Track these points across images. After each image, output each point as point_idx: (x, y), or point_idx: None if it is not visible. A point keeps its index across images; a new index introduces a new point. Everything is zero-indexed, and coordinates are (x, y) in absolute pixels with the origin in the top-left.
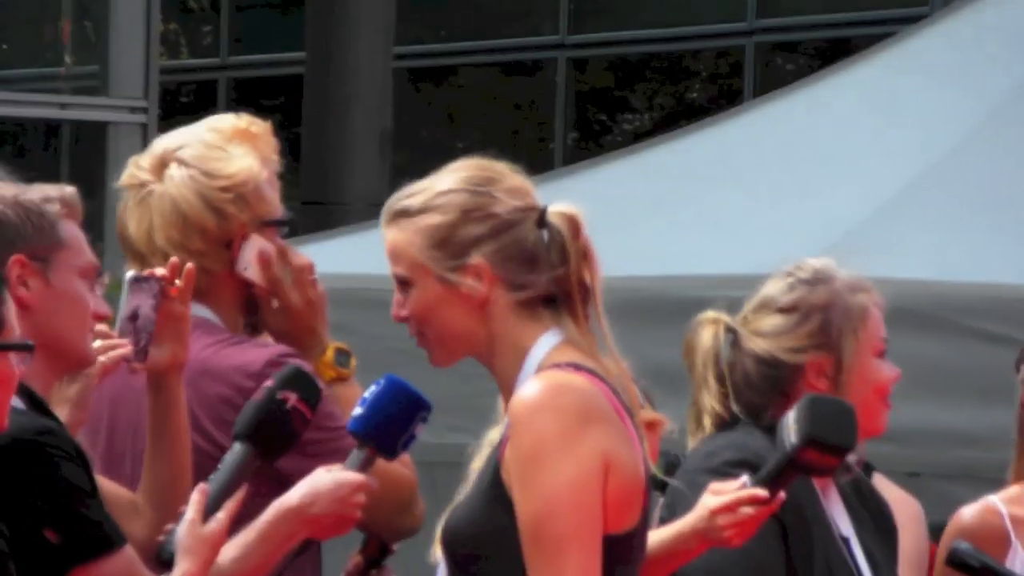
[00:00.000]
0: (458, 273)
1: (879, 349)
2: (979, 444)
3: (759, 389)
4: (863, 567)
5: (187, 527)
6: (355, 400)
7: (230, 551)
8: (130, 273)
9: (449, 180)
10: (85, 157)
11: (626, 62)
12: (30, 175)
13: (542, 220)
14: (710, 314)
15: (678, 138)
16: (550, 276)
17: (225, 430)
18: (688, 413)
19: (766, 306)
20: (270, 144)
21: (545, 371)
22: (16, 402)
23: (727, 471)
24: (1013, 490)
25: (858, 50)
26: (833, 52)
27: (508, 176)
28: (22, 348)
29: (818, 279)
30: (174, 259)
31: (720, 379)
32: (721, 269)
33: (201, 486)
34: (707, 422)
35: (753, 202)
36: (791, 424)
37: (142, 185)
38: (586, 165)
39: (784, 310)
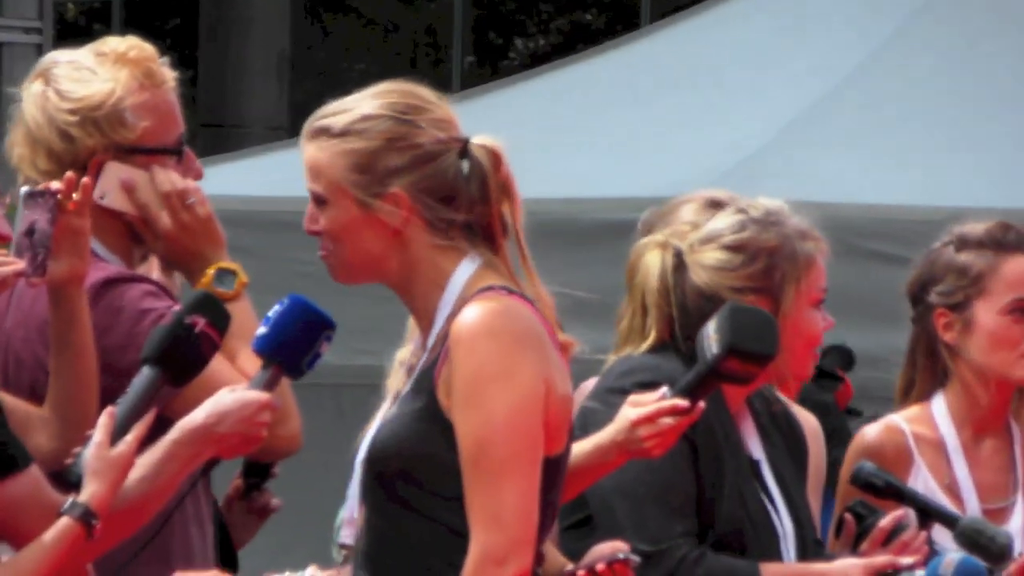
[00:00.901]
0: (377, 199)
1: (817, 299)
2: (878, 365)
3: (692, 319)
4: (772, 489)
5: (95, 450)
6: (240, 318)
7: (136, 471)
8: (25, 188)
9: (374, 104)
10: None
11: None
12: None
13: (464, 151)
14: (658, 237)
15: (577, 62)
16: (468, 209)
17: (41, 348)
18: (621, 330)
19: (713, 240)
20: (152, 70)
21: (483, 295)
22: None
23: (635, 392)
24: (914, 410)
25: None
26: None
27: (434, 106)
28: None
29: (769, 221)
30: (70, 173)
31: (663, 303)
32: (623, 192)
33: (109, 409)
34: (640, 343)
35: (655, 125)
36: (712, 334)
37: (18, 97)
38: (484, 89)
39: (732, 247)
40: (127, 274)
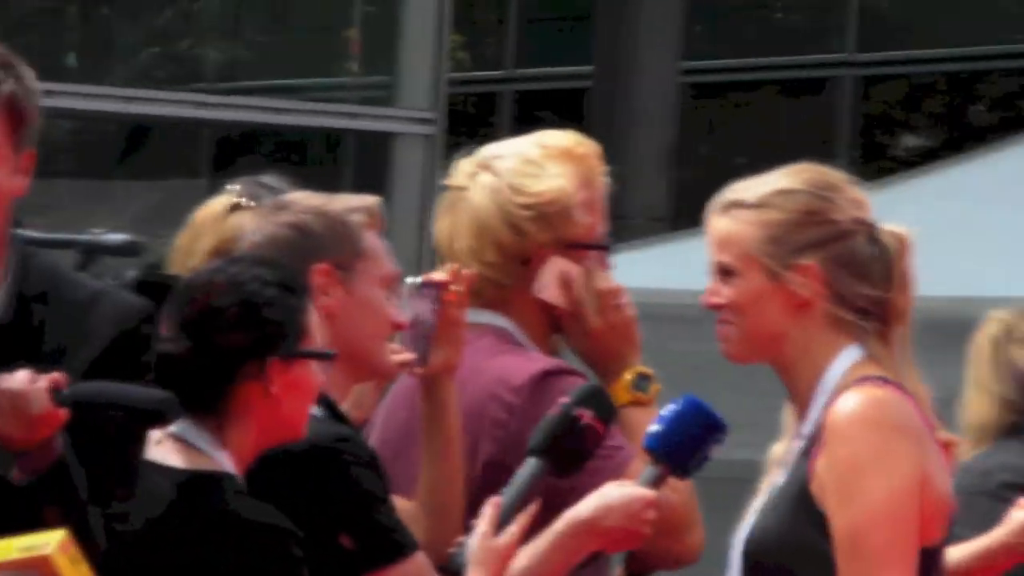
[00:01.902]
0: (790, 271)
1: None
2: None
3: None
4: None
5: (479, 539)
6: (647, 422)
7: (520, 561)
8: (410, 280)
9: (790, 180)
10: (369, 168)
11: (913, 82)
12: (315, 186)
13: (873, 236)
14: (995, 312)
15: (964, 161)
16: (871, 293)
17: (476, 436)
18: (967, 422)
19: None
20: (594, 165)
21: (860, 385)
22: (315, 410)
23: (1002, 495)
24: None
25: None
26: None
27: (848, 186)
28: (324, 357)
29: None
30: (454, 264)
31: (999, 375)
32: (1010, 292)
33: (493, 499)
34: (985, 430)
35: None
36: None
37: (458, 188)
38: (872, 186)
39: None
40: (565, 367)
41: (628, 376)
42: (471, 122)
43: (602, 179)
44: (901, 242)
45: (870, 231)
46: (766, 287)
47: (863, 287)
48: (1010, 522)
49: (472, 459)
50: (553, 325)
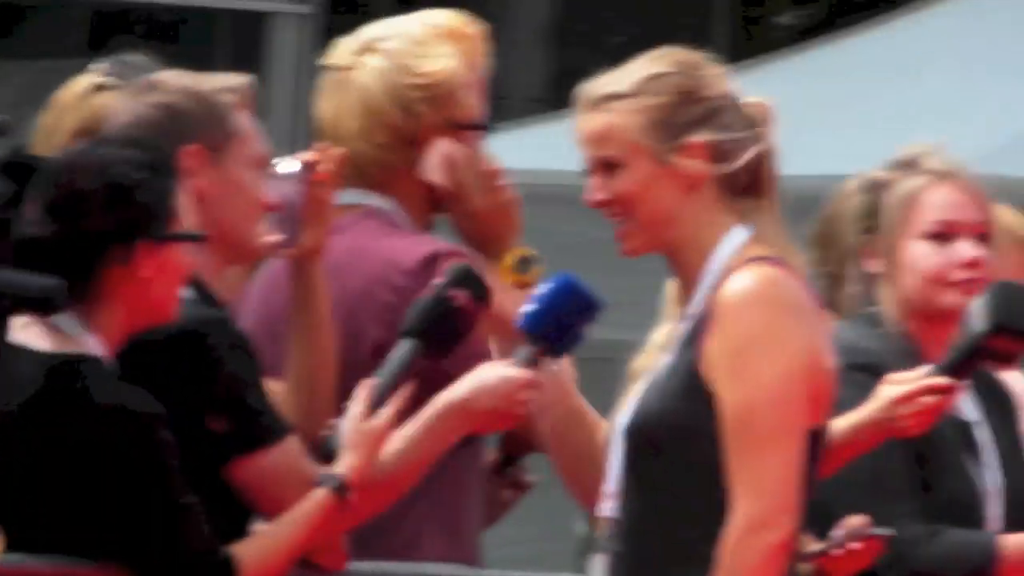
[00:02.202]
0: (676, 153)
1: None
2: None
3: None
4: (986, 450)
5: (352, 422)
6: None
7: (394, 444)
8: (276, 161)
9: (657, 64)
10: (243, 48)
11: None
12: (187, 66)
13: (739, 108)
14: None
15: (843, 38)
16: (747, 164)
17: (363, 318)
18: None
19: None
20: (480, 47)
21: (749, 265)
22: (185, 292)
23: (846, 377)
24: None
25: None
26: None
27: (710, 63)
28: (193, 239)
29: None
30: (321, 144)
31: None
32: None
33: (367, 381)
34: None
35: (922, 103)
36: (979, 311)
37: (341, 69)
38: (749, 64)
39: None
40: (453, 248)
41: (510, 258)
42: (352, 5)
43: (485, 60)
44: (766, 111)
45: (735, 104)
46: (655, 173)
47: (741, 158)
48: (877, 398)
49: (360, 342)
50: (435, 207)
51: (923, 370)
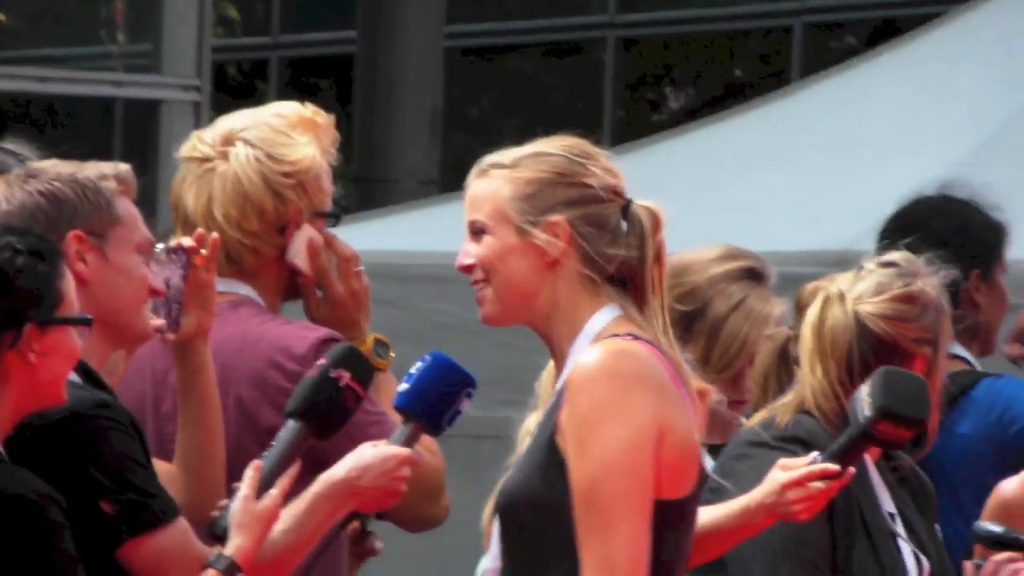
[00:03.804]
0: (538, 227)
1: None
2: None
3: (869, 371)
4: (904, 542)
5: (241, 503)
6: (390, 391)
7: (280, 524)
8: (159, 246)
9: (547, 145)
10: (138, 135)
11: (673, 42)
12: (84, 153)
13: (626, 210)
14: (832, 290)
15: (727, 118)
16: (624, 259)
17: (258, 404)
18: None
19: (881, 292)
20: (331, 136)
21: (605, 340)
22: (72, 376)
23: (777, 445)
24: None
25: (905, 31)
26: (880, 33)
27: (605, 157)
28: (81, 322)
29: (923, 273)
30: (200, 230)
31: (846, 358)
32: (772, 247)
33: (255, 463)
34: (802, 394)
35: (804, 182)
36: (865, 397)
37: (205, 160)
38: (635, 145)
39: (904, 299)
40: (338, 335)
41: (368, 342)
42: (240, 88)
43: (334, 150)
44: (654, 217)
45: (624, 204)
46: (515, 244)
47: (614, 250)
48: (769, 481)
49: (252, 426)
50: (291, 293)
51: (813, 455)
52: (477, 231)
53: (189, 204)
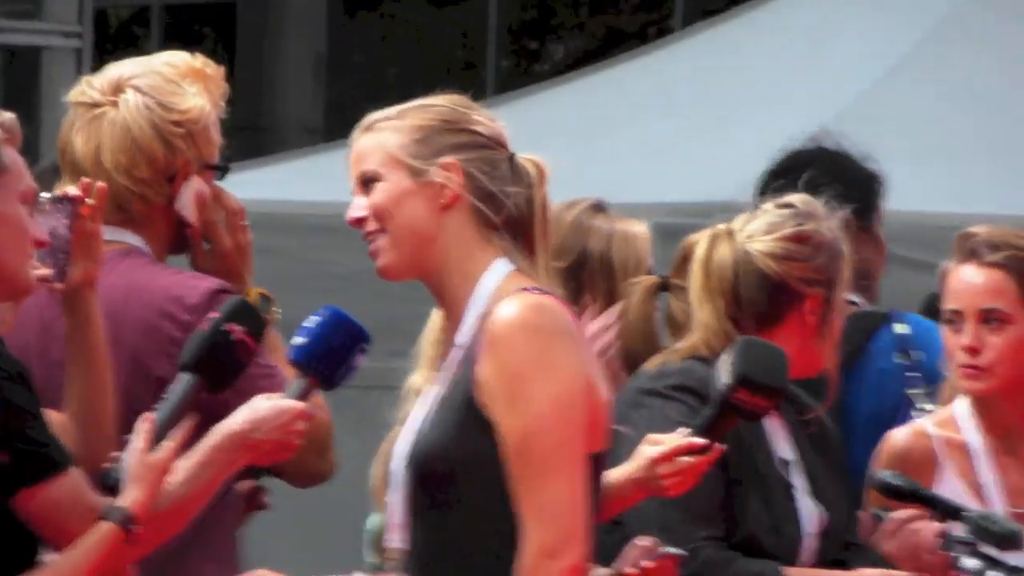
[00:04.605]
0: (432, 167)
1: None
2: None
3: (755, 310)
4: (800, 489)
5: (135, 455)
6: (275, 346)
7: (175, 476)
8: (44, 195)
9: (430, 99)
10: (18, 82)
11: None
12: None
13: (511, 161)
14: (721, 228)
15: (610, 67)
16: (512, 208)
17: (150, 354)
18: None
19: (773, 232)
20: (220, 87)
21: (518, 294)
22: None
23: (670, 395)
24: (944, 412)
25: None
26: None
27: (487, 113)
28: None
29: (820, 215)
30: (85, 179)
31: (733, 295)
32: (652, 198)
33: (147, 415)
34: (694, 338)
35: (685, 132)
36: (724, 366)
37: (94, 105)
38: (518, 94)
39: (796, 239)
40: (230, 285)
41: (253, 296)
42: (121, 35)
43: (223, 103)
44: (539, 169)
45: (509, 157)
46: (409, 186)
47: (502, 196)
48: (639, 456)
49: (145, 377)
50: (180, 245)
51: (681, 431)
52: (367, 181)
53: (78, 149)
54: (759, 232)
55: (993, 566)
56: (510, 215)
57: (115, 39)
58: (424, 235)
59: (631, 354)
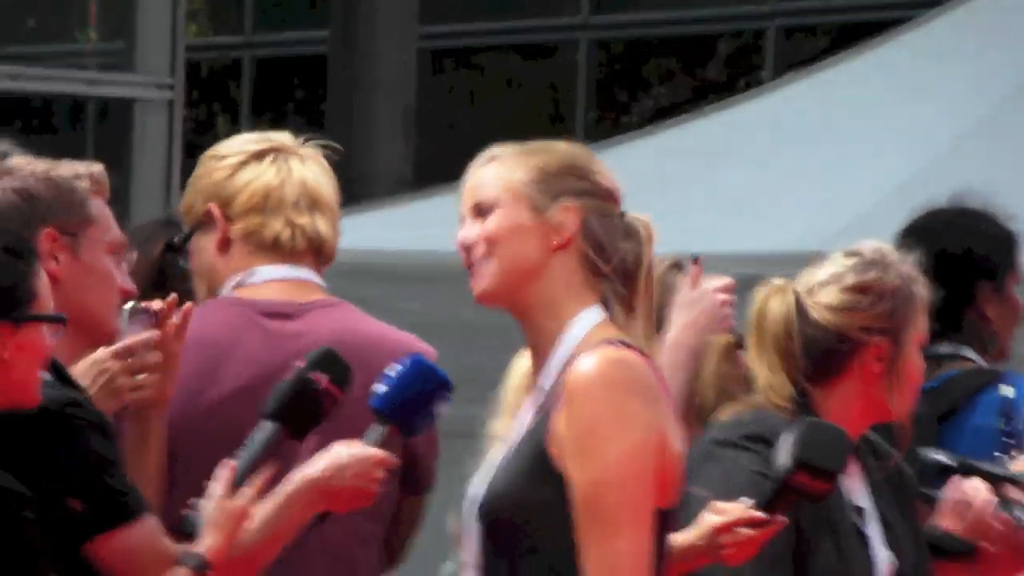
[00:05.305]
0: (553, 207)
1: (922, 341)
2: None
3: (816, 362)
4: (876, 539)
5: (214, 501)
6: None
7: (252, 522)
8: (129, 305)
9: (555, 143)
10: (111, 134)
11: (646, 44)
12: (57, 152)
13: (623, 217)
14: (779, 282)
15: (698, 118)
16: (619, 262)
17: None
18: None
19: (833, 283)
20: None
21: (599, 346)
22: (44, 375)
23: (743, 445)
24: None
25: (876, 33)
26: (852, 35)
27: (606, 167)
28: (55, 320)
29: (888, 263)
30: (173, 296)
31: (786, 348)
32: (738, 248)
33: (228, 461)
34: (763, 393)
35: (772, 182)
36: (784, 447)
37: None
38: (606, 144)
39: (856, 289)
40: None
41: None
42: (213, 87)
43: None
44: (648, 228)
45: (621, 213)
46: (527, 222)
47: (614, 247)
48: (702, 523)
49: None
50: None
51: (744, 500)
52: (484, 209)
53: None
54: (819, 283)
55: None
56: (617, 268)
57: (206, 91)
58: (530, 271)
59: (706, 413)
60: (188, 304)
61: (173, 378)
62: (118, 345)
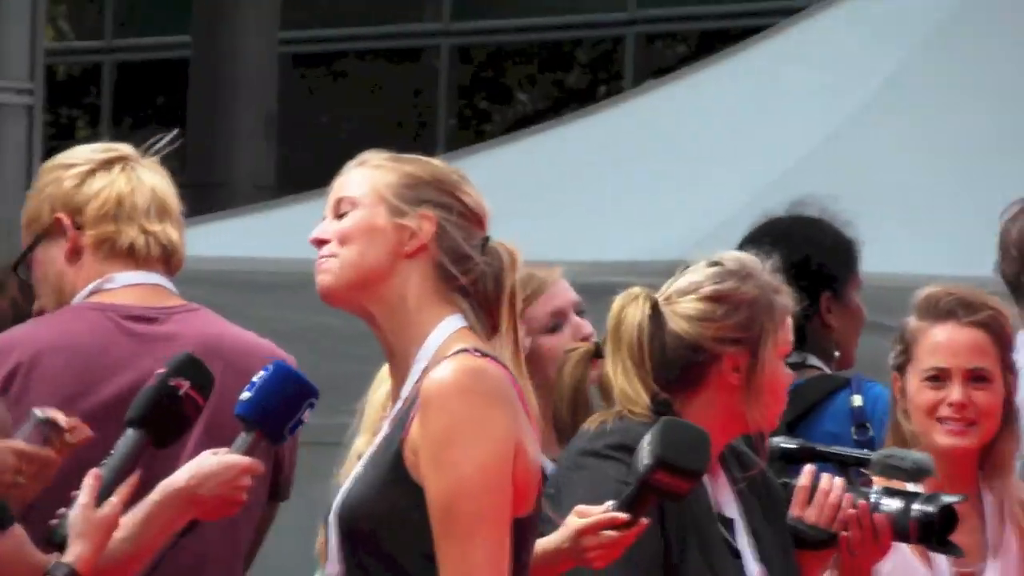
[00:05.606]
0: (410, 212)
1: (785, 352)
2: None
3: (673, 372)
4: (745, 549)
5: (80, 511)
6: None
7: (119, 532)
8: (40, 412)
9: (431, 158)
10: None
11: (507, 50)
12: None
13: (485, 243)
14: (636, 290)
15: (559, 125)
16: (479, 276)
17: None
18: (615, 392)
19: (691, 292)
20: None
21: (456, 355)
22: None
23: (607, 453)
24: None
25: (735, 40)
26: (712, 42)
27: (478, 191)
28: None
29: (746, 273)
30: (78, 420)
31: (641, 357)
32: (599, 256)
33: (94, 471)
34: (619, 402)
35: (633, 190)
36: (645, 446)
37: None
38: (468, 151)
39: (712, 298)
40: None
41: None
42: (73, 93)
43: None
44: (512, 256)
45: (485, 238)
46: (382, 223)
47: (469, 266)
48: (567, 527)
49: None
50: None
51: (607, 504)
52: (343, 208)
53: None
54: (677, 292)
55: (913, 499)
56: (477, 284)
57: (67, 97)
58: (376, 273)
59: (561, 422)
60: (88, 435)
61: (47, 483)
62: (24, 447)
